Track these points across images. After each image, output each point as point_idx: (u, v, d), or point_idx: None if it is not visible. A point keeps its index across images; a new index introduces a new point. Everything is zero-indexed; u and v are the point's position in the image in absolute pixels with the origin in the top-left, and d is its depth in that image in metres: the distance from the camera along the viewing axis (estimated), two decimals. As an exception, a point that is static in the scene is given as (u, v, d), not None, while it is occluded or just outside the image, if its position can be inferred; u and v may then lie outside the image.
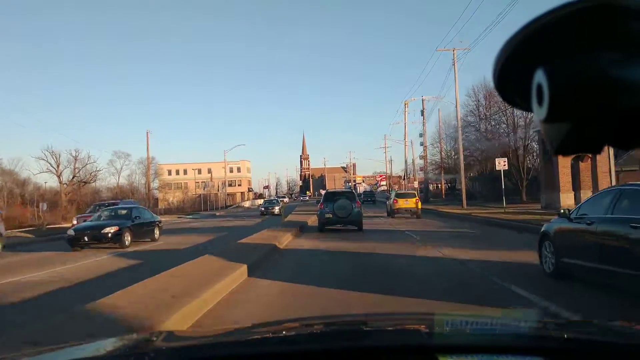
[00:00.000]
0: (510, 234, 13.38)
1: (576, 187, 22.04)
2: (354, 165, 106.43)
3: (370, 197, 53.36)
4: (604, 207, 5.61)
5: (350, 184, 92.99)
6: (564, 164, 21.60)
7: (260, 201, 56.64)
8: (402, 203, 24.14)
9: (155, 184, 63.17)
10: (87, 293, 6.41)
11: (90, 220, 15.32)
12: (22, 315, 5.64)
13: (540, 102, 0.47)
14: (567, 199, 20.90)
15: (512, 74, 0.51)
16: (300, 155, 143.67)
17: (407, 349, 1.17)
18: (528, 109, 0.51)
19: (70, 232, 14.17)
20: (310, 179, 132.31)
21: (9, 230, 20.25)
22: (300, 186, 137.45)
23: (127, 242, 13.82)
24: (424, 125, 44.69)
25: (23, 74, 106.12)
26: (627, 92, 0.44)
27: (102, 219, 15.00)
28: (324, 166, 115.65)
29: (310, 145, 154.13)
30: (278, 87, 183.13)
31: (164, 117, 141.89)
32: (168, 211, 50.78)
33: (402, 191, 32.66)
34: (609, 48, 0.45)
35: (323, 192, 25.27)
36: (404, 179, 55.13)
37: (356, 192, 36.28)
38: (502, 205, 23.05)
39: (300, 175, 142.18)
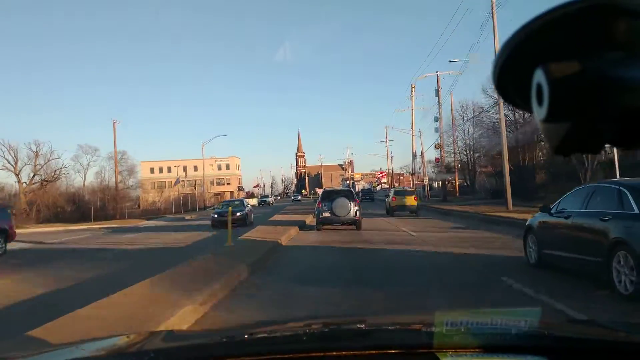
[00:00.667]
0: None
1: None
2: (352, 162, 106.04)
3: (368, 196, 54.32)
4: (580, 202, 6.53)
5: (348, 182, 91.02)
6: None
7: (253, 201, 53.39)
8: (401, 201, 25.11)
9: (133, 182, 58.33)
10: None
11: None
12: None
13: (540, 102, 0.48)
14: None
15: (512, 73, 0.53)
16: (296, 153, 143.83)
17: (408, 349, 1.21)
18: (528, 109, 0.52)
19: None
20: (306, 178, 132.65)
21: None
22: (296, 184, 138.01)
23: None
24: (439, 106, 37.63)
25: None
26: (627, 92, 0.45)
27: None
28: (320, 164, 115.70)
29: (307, 143, 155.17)
30: (273, 83, 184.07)
31: (158, 115, 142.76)
32: (132, 215, 44.34)
33: (401, 189, 33.90)
34: (609, 48, 0.47)
35: (320, 190, 25.27)
36: (411, 174, 51.61)
37: (354, 190, 35.91)
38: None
39: (296, 174, 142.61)
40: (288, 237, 13.47)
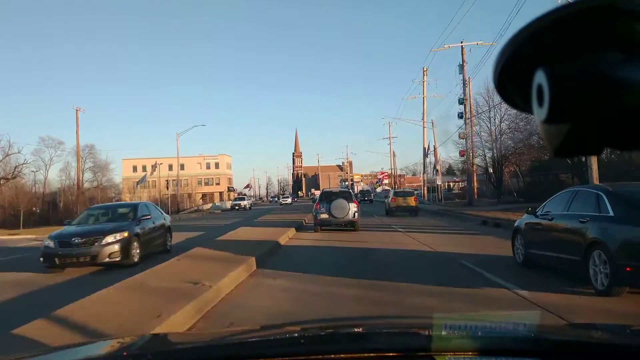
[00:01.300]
0: None
1: None
2: (350, 163, 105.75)
3: (367, 197, 55.13)
4: (562, 205, 7.25)
5: (346, 183, 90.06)
6: None
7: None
8: (400, 201, 25.95)
9: (107, 181, 53.52)
10: None
11: None
12: None
13: (540, 103, 0.50)
14: None
15: (512, 74, 0.54)
16: (293, 153, 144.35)
17: (406, 352, 1.26)
18: (528, 110, 0.54)
19: None
20: (303, 178, 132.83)
21: None
22: (292, 186, 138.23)
23: None
24: (464, 86, 29.87)
25: None
26: (628, 93, 0.46)
27: None
28: (317, 164, 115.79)
29: (304, 143, 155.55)
30: (270, 82, 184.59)
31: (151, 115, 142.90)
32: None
33: (400, 189, 35.03)
34: (610, 49, 0.48)
35: (317, 192, 26.17)
36: (422, 173, 46.67)
37: (353, 191, 34.46)
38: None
39: (293, 175, 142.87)
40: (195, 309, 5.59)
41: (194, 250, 10.47)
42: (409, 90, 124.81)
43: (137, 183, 45.77)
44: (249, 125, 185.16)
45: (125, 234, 10.12)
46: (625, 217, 6.01)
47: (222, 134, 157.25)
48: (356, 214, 16.37)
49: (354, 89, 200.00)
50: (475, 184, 34.82)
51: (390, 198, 27.56)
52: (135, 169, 79.27)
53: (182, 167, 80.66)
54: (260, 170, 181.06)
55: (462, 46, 29.86)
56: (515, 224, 8.69)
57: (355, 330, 1.82)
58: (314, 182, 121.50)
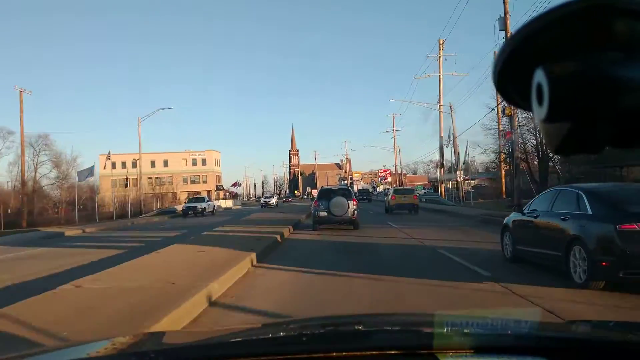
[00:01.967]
0: None
1: None
2: (350, 161, 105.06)
3: (365, 196, 55.88)
4: (547, 204, 7.93)
5: (345, 181, 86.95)
6: None
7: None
8: (400, 199, 26.79)
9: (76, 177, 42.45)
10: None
11: None
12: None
13: (540, 102, 0.51)
14: None
15: (512, 73, 0.56)
16: (289, 151, 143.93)
17: (408, 349, 1.30)
18: (528, 108, 0.56)
19: None
20: (300, 177, 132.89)
21: None
22: (289, 184, 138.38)
23: None
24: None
25: None
26: (627, 92, 0.48)
27: None
28: (315, 162, 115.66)
29: (301, 140, 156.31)
30: (266, 78, 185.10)
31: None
32: (47, 221, 34.77)
33: (400, 187, 35.99)
34: (609, 48, 0.49)
35: (314, 191, 26.23)
36: (439, 166, 41.21)
37: (352, 190, 34.57)
38: None
39: (289, 173, 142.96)
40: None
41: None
42: (420, 69, 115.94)
43: (85, 176, 36.92)
44: (244, 121, 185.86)
45: None
46: (601, 215, 6.68)
47: (216, 131, 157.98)
48: (355, 211, 16.80)
49: (353, 82, 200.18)
50: (504, 179, 32.52)
51: (390, 196, 28.48)
52: (114, 165, 71.46)
53: (165, 163, 77.67)
54: (251, 168, 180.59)
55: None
56: (504, 221, 9.41)
57: (357, 327, 1.88)
58: (311, 180, 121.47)
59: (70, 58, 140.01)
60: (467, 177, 37.48)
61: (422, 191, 56.45)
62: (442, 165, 40.22)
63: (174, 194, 69.45)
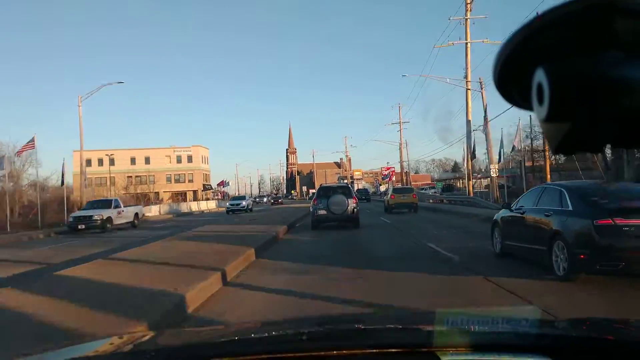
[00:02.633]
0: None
1: None
2: (350, 159, 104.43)
3: (364, 196, 56.92)
4: (533, 200, 8.65)
5: (345, 181, 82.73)
6: None
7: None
8: (400, 199, 27.72)
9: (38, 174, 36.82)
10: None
11: None
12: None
13: (540, 101, 0.53)
14: None
15: (512, 72, 0.58)
16: (287, 149, 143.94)
17: (408, 348, 1.36)
18: (528, 108, 0.58)
19: None
20: (297, 176, 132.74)
21: None
22: (286, 184, 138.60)
23: None
24: None
25: None
26: (627, 92, 0.49)
27: None
28: (313, 160, 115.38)
29: (299, 138, 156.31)
30: (262, 73, 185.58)
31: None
32: None
33: (400, 186, 36.89)
34: (610, 48, 0.51)
35: (312, 191, 25.59)
36: (467, 159, 33.19)
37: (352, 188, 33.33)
38: None
39: (287, 172, 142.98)
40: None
41: None
42: (440, 37, 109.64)
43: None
44: (240, 117, 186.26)
45: None
46: (581, 211, 7.39)
47: (212, 129, 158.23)
48: (355, 210, 17.11)
49: (353, 73, 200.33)
50: (549, 175, 27.68)
51: (389, 195, 29.45)
52: (89, 162, 64.18)
53: (147, 160, 73.44)
54: (252, 168, 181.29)
55: None
56: (494, 218, 10.16)
57: (357, 326, 1.94)
58: (308, 180, 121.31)
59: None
60: (449, 179, 33.83)
61: (431, 191, 55.97)
62: (473, 156, 33.41)
63: (157, 194, 65.88)
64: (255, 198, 73.89)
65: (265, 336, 1.75)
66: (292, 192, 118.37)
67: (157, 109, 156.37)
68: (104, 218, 24.95)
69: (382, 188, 70.86)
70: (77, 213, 26.31)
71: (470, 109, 30.89)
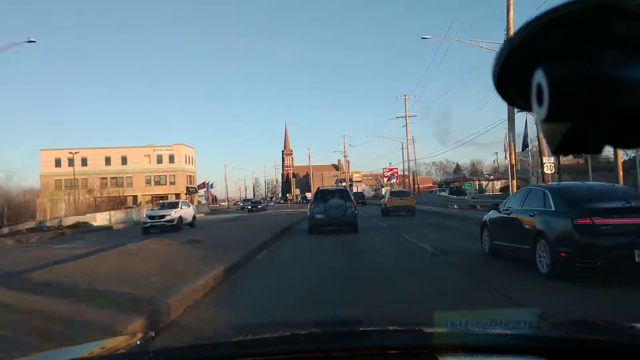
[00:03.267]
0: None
1: None
2: (348, 162, 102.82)
3: (360, 199, 57.71)
4: (519, 202, 9.30)
5: (343, 183, 78.67)
6: None
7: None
8: (397, 202, 28.46)
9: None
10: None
11: None
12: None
13: (540, 102, 0.55)
14: None
15: (512, 73, 0.60)
16: (282, 151, 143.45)
17: (407, 349, 1.40)
18: (528, 108, 0.59)
19: None
20: (293, 179, 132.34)
21: None
22: (282, 187, 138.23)
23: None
24: None
25: None
26: (627, 92, 0.50)
27: None
28: (309, 162, 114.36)
29: (295, 140, 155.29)
30: (258, 72, 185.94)
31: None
32: None
33: (397, 189, 37.56)
34: (609, 48, 0.52)
35: (309, 194, 25.16)
36: (508, 152, 23.73)
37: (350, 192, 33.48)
38: None
39: (282, 175, 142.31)
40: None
41: None
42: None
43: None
44: (236, 118, 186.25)
45: None
46: (562, 211, 8.03)
47: (207, 129, 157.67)
48: (354, 213, 17.28)
49: (352, 68, 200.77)
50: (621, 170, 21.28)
51: (386, 198, 30.13)
52: (58, 162, 65.18)
53: (124, 160, 68.80)
54: (247, 170, 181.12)
55: None
56: (483, 218, 10.84)
57: (356, 327, 1.98)
58: (305, 182, 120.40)
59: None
60: (448, 180, 29.96)
61: (441, 194, 54.08)
62: (524, 147, 27.52)
63: (135, 197, 62.35)
64: (241, 202, 68.11)
65: (266, 337, 1.80)
66: (287, 195, 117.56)
67: (156, 111, 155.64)
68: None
69: (384, 190, 69.87)
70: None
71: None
